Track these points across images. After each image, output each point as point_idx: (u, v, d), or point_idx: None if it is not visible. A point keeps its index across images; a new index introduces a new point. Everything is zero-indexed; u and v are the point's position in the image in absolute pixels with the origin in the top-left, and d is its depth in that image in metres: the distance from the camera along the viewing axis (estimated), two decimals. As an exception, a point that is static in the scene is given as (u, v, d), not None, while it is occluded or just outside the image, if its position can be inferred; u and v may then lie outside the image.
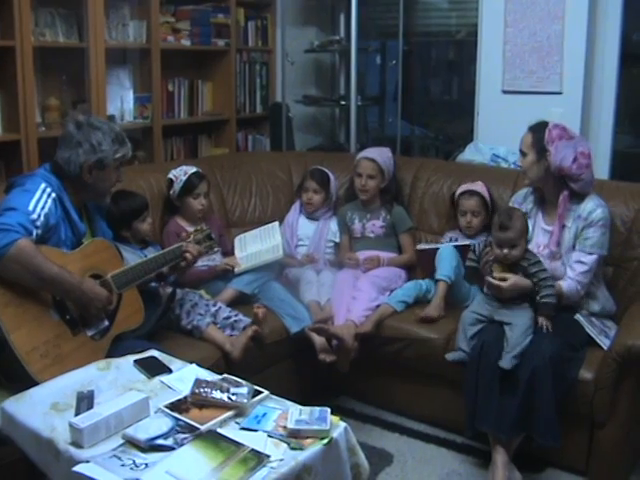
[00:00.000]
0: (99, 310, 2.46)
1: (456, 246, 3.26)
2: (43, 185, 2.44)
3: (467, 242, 3.27)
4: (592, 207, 2.86)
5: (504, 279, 2.75)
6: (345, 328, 3.10)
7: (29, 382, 2.18)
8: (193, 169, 3.39)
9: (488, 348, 2.72)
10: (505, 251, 2.73)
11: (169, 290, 2.90)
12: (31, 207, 2.36)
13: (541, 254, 2.90)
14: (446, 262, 3.17)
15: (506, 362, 2.64)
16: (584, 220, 2.86)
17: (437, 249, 3.26)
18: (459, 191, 3.43)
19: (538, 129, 2.91)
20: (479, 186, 3.39)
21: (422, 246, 3.44)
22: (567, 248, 2.90)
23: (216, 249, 3.25)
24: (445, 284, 3.15)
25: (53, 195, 2.45)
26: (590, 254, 2.84)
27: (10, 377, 2.26)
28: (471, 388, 2.74)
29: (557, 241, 2.89)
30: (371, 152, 3.62)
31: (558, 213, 2.89)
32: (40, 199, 2.40)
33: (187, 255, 2.77)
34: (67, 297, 2.39)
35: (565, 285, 2.82)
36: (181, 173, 3.35)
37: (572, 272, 2.84)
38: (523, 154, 2.94)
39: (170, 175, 3.38)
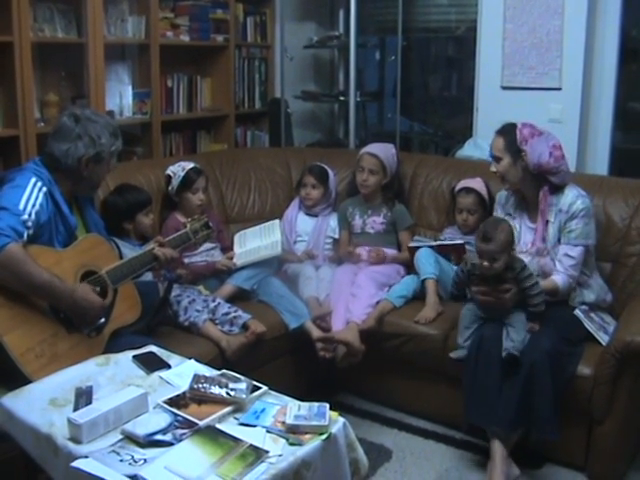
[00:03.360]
0: (92, 318, 2.44)
1: (446, 245, 3.29)
2: (34, 179, 2.41)
3: (459, 241, 3.30)
4: (572, 199, 2.87)
5: (506, 290, 2.72)
6: (349, 332, 3.09)
7: (25, 383, 2.14)
8: (191, 164, 3.39)
9: (487, 343, 2.72)
10: (485, 264, 2.68)
11: (166, 283, 2.89)
12: (22, 206, 2.32)
13: (529, 252, 2.91)
14: (424, 263, 3.21)
15: (510, 348, 2.63)
16: (566, 213, 2.86)
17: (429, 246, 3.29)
18: (458, 187, 3.42)
19: (507, 131, 2.90)
20: (478, 183, 3.38)
21: (414, 243, 3.45)
22: (553, 243, 2.90)
23: (214, 244, 3.26)
24: (432, 281, 3.17)
25: (44, 189, 2.41)
26: (576, 246, 2.85)
27: (6, 378, 2.23)
28: (469, 382, 2.74)
29: (542, 237, 2.90)
30: (375, 148, 3.60)
31: (540, 209, 2.89)
32: (31, 195, 2.36)
33: (159, 255, 2.67)
34: (59, 304, 2.36)
35: (559, 279, 2.83)
36: (179, 169, 3.35)
37: (561, 266, 2.85)
38: (497, 159, 2.92)
39: (168, 171, 3.38)
